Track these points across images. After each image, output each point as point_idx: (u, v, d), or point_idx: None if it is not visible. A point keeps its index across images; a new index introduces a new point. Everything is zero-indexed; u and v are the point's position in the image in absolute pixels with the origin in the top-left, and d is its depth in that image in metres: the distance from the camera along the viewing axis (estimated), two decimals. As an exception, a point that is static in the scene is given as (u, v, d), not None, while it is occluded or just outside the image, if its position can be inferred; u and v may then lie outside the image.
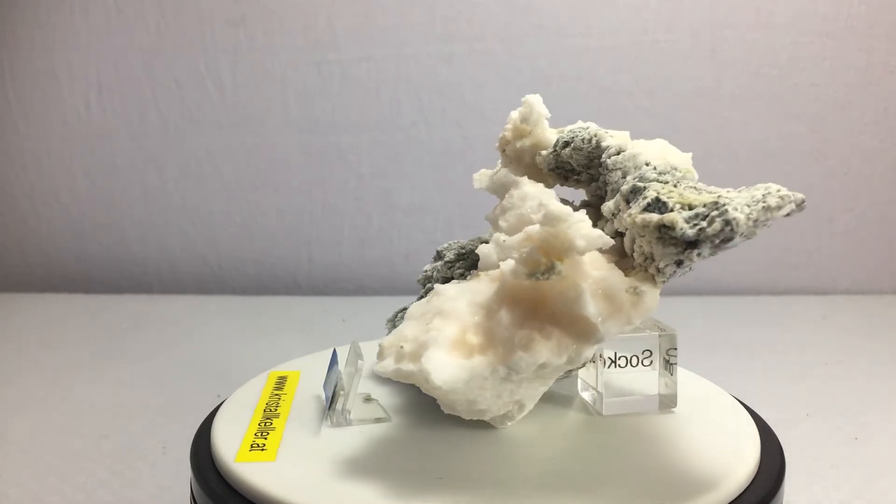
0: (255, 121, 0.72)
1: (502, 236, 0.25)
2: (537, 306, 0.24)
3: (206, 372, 0.50)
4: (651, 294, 0.24)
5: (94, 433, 0.41)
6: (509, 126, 0.31)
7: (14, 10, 0.71)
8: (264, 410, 0.30)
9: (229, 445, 0.27)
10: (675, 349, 0.29)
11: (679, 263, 0.23)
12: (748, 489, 0.24)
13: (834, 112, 0.68)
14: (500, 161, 0.33)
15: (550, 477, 0.25)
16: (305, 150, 0.72)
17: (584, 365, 0.29)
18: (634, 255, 0.25)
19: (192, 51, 0.71)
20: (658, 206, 0.23)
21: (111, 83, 0.72)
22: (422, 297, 0.30)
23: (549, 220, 0.23)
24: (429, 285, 0.32)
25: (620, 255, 0.26)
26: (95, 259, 0.76)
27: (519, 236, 0.24)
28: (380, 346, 0.25)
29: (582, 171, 0.30)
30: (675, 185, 0.24)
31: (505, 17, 0.68)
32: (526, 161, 0.31)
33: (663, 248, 0.23)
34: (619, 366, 0.29)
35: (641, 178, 0.25)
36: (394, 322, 0.34)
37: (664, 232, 0.23)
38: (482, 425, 0.28)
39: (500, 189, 0.31)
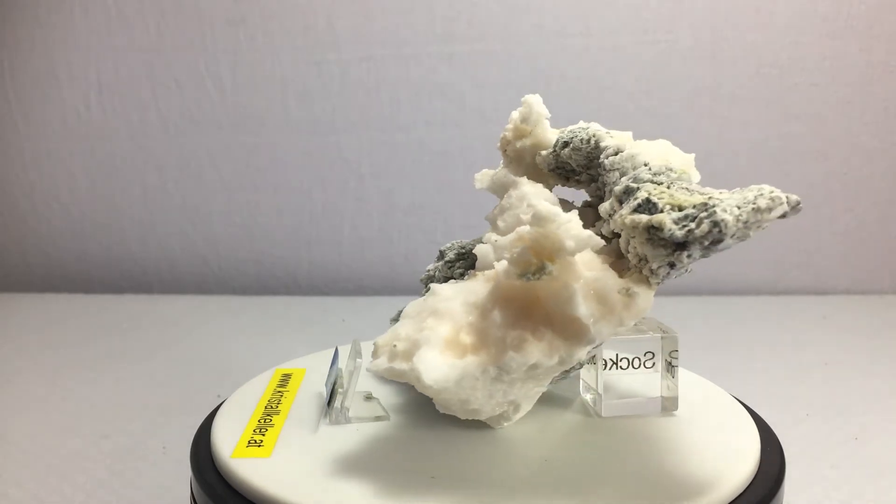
0: (255, 121, 0.72)
1: (494, 236, 0.25)
2: (530, 307, 0.24)
3: (206, 372, 0.50)
4: (644, 296, 0.24)
5: (94, 433, 0.41)
6: (510, 126, 0.31)
7: (14, 10, 0.71)
8: (266, 407, 0.31)
9: (228, 441, 0.27)
10: (677, 351, 0.29)
11: (672, 265, 0.23)
12: (748, 489, 0.24)
13: (834, 112, 0.68)
14: (502, 161, 0.33)
15: (544, 477, 0.25)
16: (305, 150, 0.72)
17: (580, 366, 0.29)
18: (629, 256, 0.25)
19: (192, 51, 0.71)
20: (648, 206, 0.23)
21: (111, 83, 0.72)
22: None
23: (537, 220, 0.23)
24: (430, 284, 0.32)
25: (617, 256, 0.26)
26: (95, 259, 0.76)
27: (511, 236, 0.24)
28: (374, 344, 0.26)
29: (582, 171, 0.30)
30: (668, 187, 0.24)
31: (505, 17, 0.68)
32: (527, 161, 0.31)
33: (653, 249, 0.23)
34: (621, 367, 0.29)
35: (636, 179, 0.25)
36: (397, 321, 0.34)
37: (653, 233, 0.23)
38: (480, 425, 0.28)
39: (501, 189, 0.31)
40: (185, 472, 0.29)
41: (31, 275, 0.77)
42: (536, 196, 0.26)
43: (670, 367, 0.29)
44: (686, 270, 0.24)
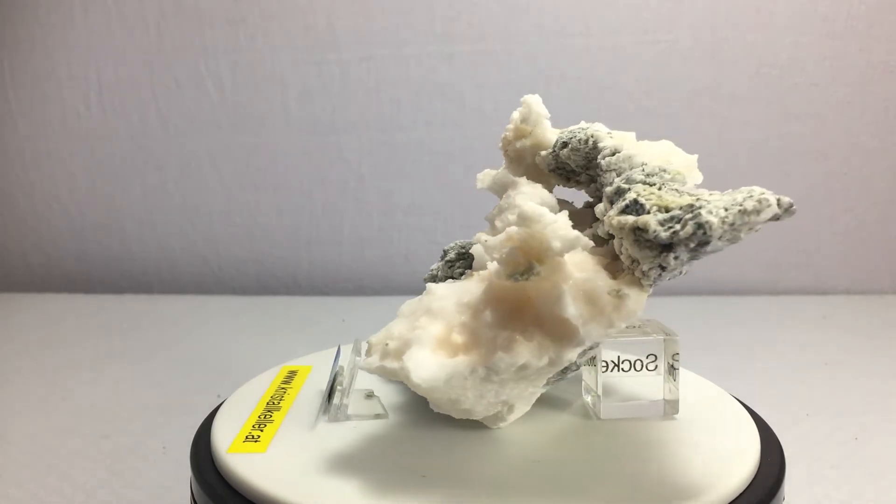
0: (255, 121, 0.72)
1: (484, 236, 0.25)
2: (521, 307, 0.24)
3: (206, 372, 0.50)
4: (635, 298, 0.23)
5: (94, 433, 0.41)
6: (510, 126, 0.31)
7: (14, 10, 0.71)
8: (267, 403, 0.31)
9: (227, 436, 0.28)
10: (678, 354, 0.29)
11: (663, 267, 0.23)
12: (748, 489, 0.24)
13: (834, 112, 0.68)
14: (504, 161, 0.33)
15: (535, 478, 0.25)
16: (305, 150, 0.72)
17: (577, 367, 0.29)
18: (622, 257, 0.25)
19: (192, 51, 0.71)
20: (636, 208, 0.23)
21: (111, 83, 0.72)
22: None
23: (523, 220, 0.23)
24: (426, 284, 0.32)
25: (613, 258, 0.26)
26: (95, 259, 0.76)
27: (501, 237, 0.24)
28: (368, 342, 0.26)
29: (581, 171, 0.29)
30: (659, 188, 0.24)
31: (505, 17, 0.68)
32: (527, 161, 0.31)
33: (640, 250, 0.23)
34: (623, 369, 0.29)
35: (628, 180, 0.25)
36: None
37: (639, 234, 0.23)
38: (477, 425, 0.28)
39: (501, 189, 0.31)
40: (185, 472, 0.29)
41: (31, 275, 0.77)
42: (524, 196, 0.26)
43: (672, 370, 0.29)
44: (680, 272, 0.24)
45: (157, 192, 0.74)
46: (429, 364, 0.23)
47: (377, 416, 0.29)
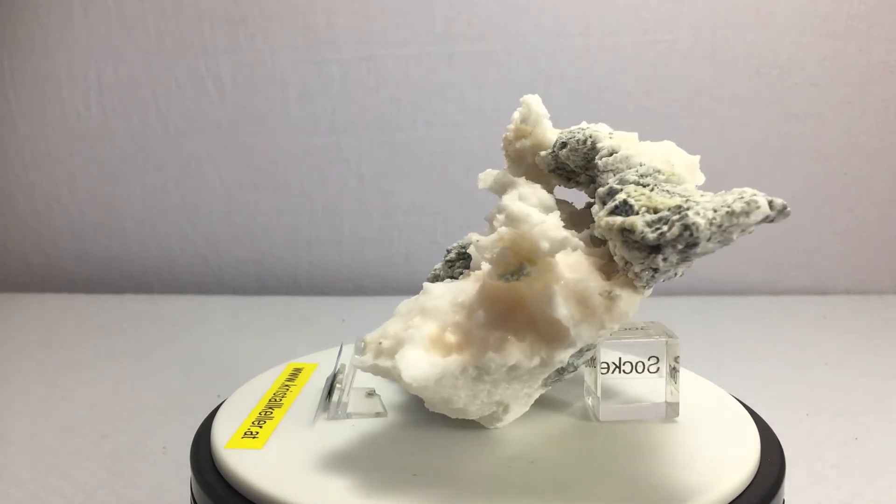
0: (255, 121, 0.72)
1: (476, 236, 0.25)
2: (514, 308, 0.24)
3: (206, 372, 0.50)
4: (627, 299, 0.23)
5: (94, 433, 0.41)
6: (511, 126, 0.31)
7: (14, 10, 0.71)
8: (269, 400, 0.31)
9: (226, 432, 0.28)
10: (678, 357, 0.29)
11: (655, 269, 0.23)
12: (748, 489, 0.24)
13: (834, 112, 0.68)
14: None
15: (527, 478, 0.24)
16: (305, 150, 0.72)
17: (574, 369, 0.28)
18: (615, 258, 0.24)
19: (192, 51, 0.71)
20: (625, 209, 0.23)
21: (111, 83, 0.72)
22: None
23: (510, 220, 0.23)
24: (424, 283, 0.32)
25: (609, 259, 0.26)
26: (95, 259, 0.76)
27: (493, 237, 0.24)
28: (363, 341, 0.26)
29: (581, 172, 0.29)
30: (651, 189, 0.24)
31: (505, 17, 0.68)
32: (528, 161, 0.31)
33: (628, 251, 0.23)
34: (624, 371, 0.28)
35: (621, 181, 0.25)
36: None
37: (626, 235, 0.23)
38: (475, 426, 0.28)
39: (501, 189, 0.31)
40: (185, 472, 0.29)
41: (31, 275, 0.77)
42: (512, 197, 0.26)
43: (674, 373, 0.28)
44: (675, 274, 0.24)
45: (157, 192, 0.74)
46: (420, 363, 0.24)
47: (377, 415, 0.29)
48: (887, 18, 0.66)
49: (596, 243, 0.27)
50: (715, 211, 0.21)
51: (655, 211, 0.22)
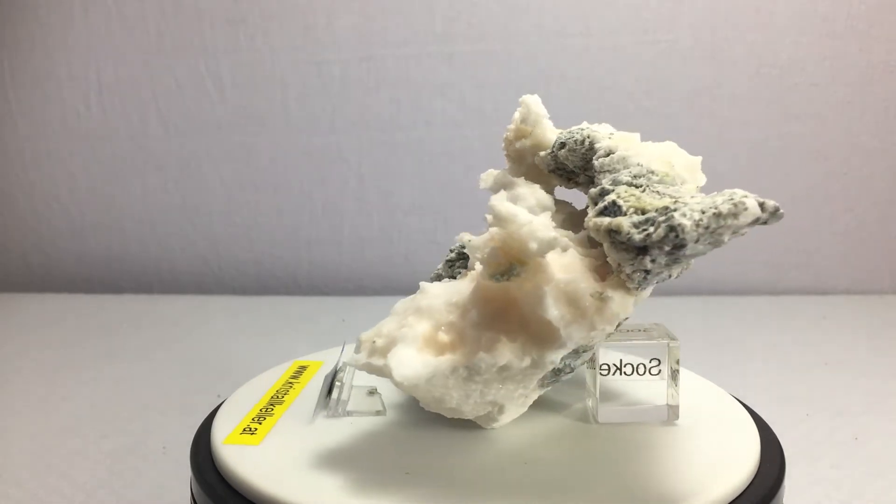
0: (255, 121, 0.72)
1: (468, 236, 0.25)
2: (507, 308, 0.24)
3: (206, 372, 0.50)
4: (619, 300, 0.23)
5: (94, 433, 0.41)
6: (511, 126, 0.31)
7: (14, 10, 0.71)
8: (272, 397, 0.31)
9: (226, 427, 0.28)
10: (678, 360, 0.29)
11: (647, 270, 0.22)
12: (748, 489, 0.24)
13: (834, 112, 0.68)
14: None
15: (521, 478, 0.24)
16: (305, 150, 0.72)
17: (571, 370, 0.28)
18: (609, 259, 0.24)
19: (192, 51, 0.71)
20: (614, 209, 0.23)
21: (111, 83, 0.72)
22: None
23: (498, 221, 0.23)
24: (420, 283, 0.32)
25: (606, 259, 0.26)
26: (95, 259, 0.76)
27: (484, 237, 0.24)
28: (359, 339, 0.26)
29: (580, 172, 0.29)
30: (642, 190, 0.24)
31: (505, 17, 0.68)
32: (528, 161, 0.31)
33: (616, 253, 0.23)
34: (625, 373, 0.28)
35: (614, 182, 0.25)
36: None
37: (613, 236, 0.22)
38: (473, 426, 0.28)
39: (501, 189, 0.31)
40: (185, 472, 0.29)
41: (31, 275, 0.77)
42: (500, 197, 0.26)
43: (675, 375, 0.28)
44: (669, 275, 0.24)
45: (157, 192, 0.74)
46: (411, 362, 0.24)
47: (377, 413, 0.29)
48: (887, 18, 0.66)
49: (593, 244, 0.27)
50: (703, 212, 0.21)
51: (643, 212, 0.22)
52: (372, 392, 0.31)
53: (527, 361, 0.24)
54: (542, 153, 0.30)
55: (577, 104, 0.69)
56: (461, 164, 0.71)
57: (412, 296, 0.27)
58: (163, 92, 0.72)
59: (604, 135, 0.28)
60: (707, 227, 0.21)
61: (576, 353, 0.26)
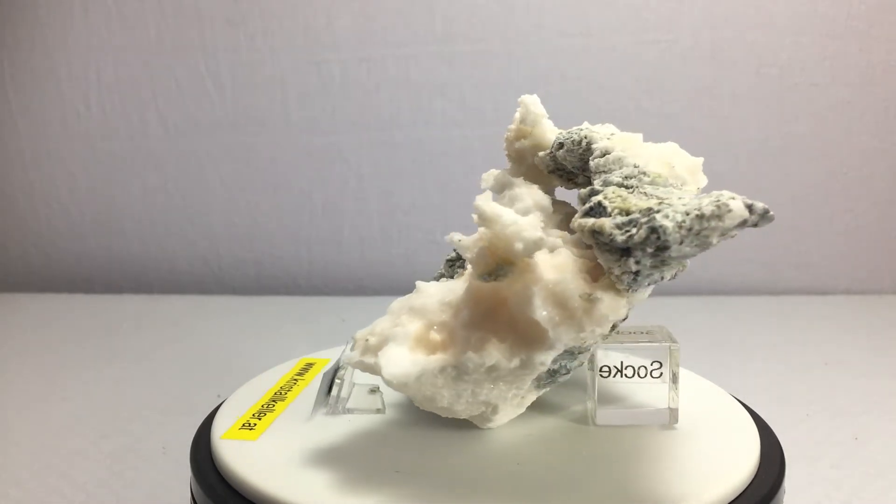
0: (255, 121, 0.72)
1: (458, 236, 0.25)
2: (498, 308, 0.24)
3: (206, 372, 0.50)
4: (608, 302, 0.23)
5: (94, 433, 0.41)
6: (512, 126, 0.31)
7: (14, 10, 0.71)
8: (275, 393, 0.31)
9: (227, 422, 0.28)
10: (678, 362, 0.29)
11: (636, 272, 0.22)
12: (748, 489, 0.24)
13: (834, 112, 0.68)
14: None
15: (511, 478, 0.24)
16: (305, 150, 0.72)
17: (567, 372, 0.27)
18: (600, 260, 0.24)
19: (192, 51, 0.71)
20: (599, 210, 0.23)
21: (111, 83, 0.72)
22: None
23: (483, 220, 0.23)
24: (416, 282, 0.32)
25: None
26: (95, 259, 0.76)
27: (473, 237, 0.24)
28: (353, 337, 0.26)
29: (579, 173, 0.29)
30: (631, 191, 0.23)
31: (505, 17, 0.68)
32: (528, 162, 0.31)
33: (601, 254, 0.23)
34: (626, 376, 0.28)
35: (605, 183, 0.25)
36: None
37: (597, 237, 0.22)
38: (470, 426, 0.28)
39: (501, 189, 0.31)
40: (185, 472, 0.29)
41: (31, 275, 0.77)
42: (485, 197, 0.26)
43: (675, 379, 0.28)
44: (662, 278, 0.23)
45: (157, 192, 0.74)
46: (401, 361, 0.24)
47: (376, 412, 0.29)
48: (887, 18, 0.66)
49: (588, 245, 0.26)
50: (686, 214, 0.20)
51: (627, 213, 0.22)
52: (373, 390, 0.31)
53: (515, 362, 0.24)
54: (542, 153, 0.30)
55: (577, 104, 0.69)
56: (461, 164, 0.71)
57: (408, 295, 0.27)
58: (163, 92, 0.72)
59: (602, 135, 0.28)
60: (690, 229, 0.20)
61: (571, 354, 0.26)
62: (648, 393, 0.28)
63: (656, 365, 0.28)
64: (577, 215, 0.24)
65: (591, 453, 0.26)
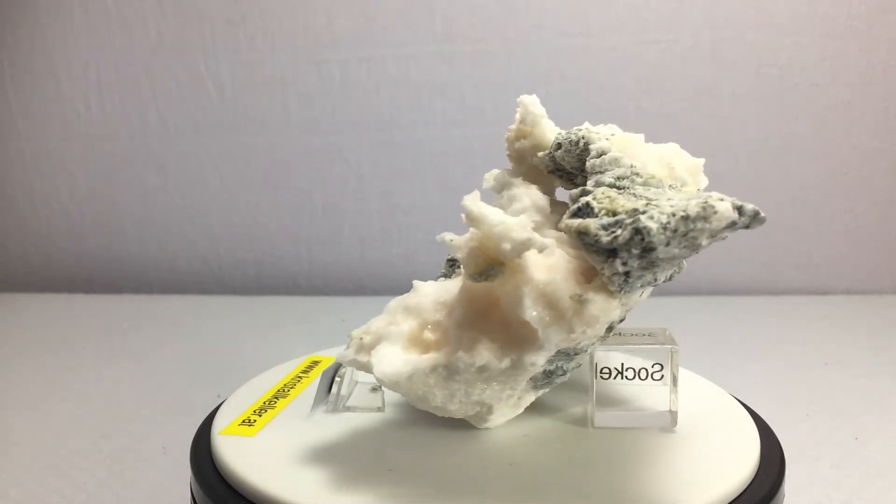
0: (255, 121, 0.72)
1: (450, 235, 0.25)
2: (490, 308, 0.24)
3: (206, 372, 0.50)
4: (599, 303, 0.23)
5: (94, 433, 0.41)
6: (513, 126, 0.31)
7: (14, 10, 0.71)
8: (278, 390, 0.32)
9: (228, 418, 0.29)
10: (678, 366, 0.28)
11: (627, 274, 0.22)
12: (748, 489, 0.24)
13: (834, 112, 0.68)
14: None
15: (502, 478, 0.24)
16: (305, 150, 0.72)
17: (564, 373, 0.28)
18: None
19: (192, 51, 0.71)
20: (587, 211, 0.23)
21: (111, 83, 0.72)
22: None
23: (470, 220, 0.23)
24: (413, 281, 0.32)
25: None
26: (95, 259, 0.76)
27: (465, 236, 0.24)
28: (349, 336, 0.26)
29: (578, 173, 0.29)
30: (621, 192, 0.23)
31: (505, 17, 0.68)
32: (528, 162, 0.31)
33: (589, 255, 0.23)
34: (627, 377, 0.28)
35: (597, 183, 0.24)
36: None
37: (583, 238, 0.22)
38: (468, 425, 0.28)
39: (502, 189, 0.31)
40: (185, 472, 0.29)
41: (31, 275, 0.77)
42: (473, 197, 0.26)
43: (675, 381, 0.28)
44: (655, 279, 0.23)
45: (157, 192, 0.74)
46: (393, 360, 0.24)
47: (376, 410, 0.29)
48: (887, 18, 0.66)
49: None
50: (672, 215, 0.20)
51: (614, 214, 0.22)
52: (375, 389, 0.31)
53: (506, 363, 0.24)
54: (541, 154, 0.30)
55: (577, 104, 0.69)
56: (461, 164, 0.71)
57: (406, 294, 0.27)
58: (163, 92, 0.72)
59: (600, 136, 0.28)
60: (676, 231, 0.20)
61: (567, 355, 0.26)
62: (649, 395, 0.28)
63: (657, 367, 0.28)
64: (565, 215, 0.24)
65: (587, 454, 0.26)
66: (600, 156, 0.26)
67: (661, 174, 0.25)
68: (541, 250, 0.23)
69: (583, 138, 0.28)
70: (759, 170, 0.69)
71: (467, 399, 0.25)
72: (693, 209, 0.20)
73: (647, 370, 0.28)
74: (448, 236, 0.25)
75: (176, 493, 0.35)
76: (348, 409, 0.29)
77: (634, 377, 0.28)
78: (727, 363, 0.51)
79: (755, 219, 0.20)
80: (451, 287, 0.26)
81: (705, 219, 0.20)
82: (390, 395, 0.30)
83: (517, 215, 0.25)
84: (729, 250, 0.70)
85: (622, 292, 0.23)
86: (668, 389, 0.28)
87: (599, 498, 0.23)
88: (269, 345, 0.57)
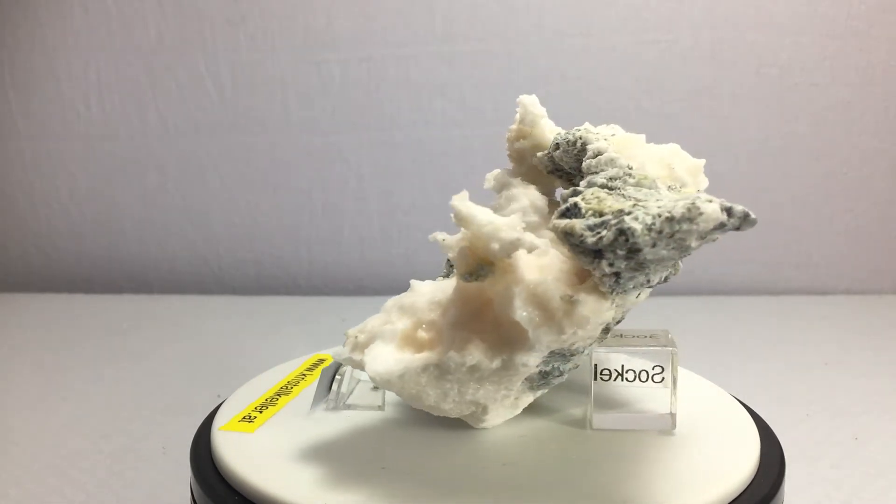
0: (255, 121, 0.72)
1: (441, 235, 0.25)
2: (483, 308, 0.24)
3: (206, 372, 0.50)
4: (589, 304, 0.22)
5: (94, 433, 0.41)
6: (513, 126, 0.31)
7: (14, 10, 0.71)
8: (281, 388, 0.32)
9: (229, 414, 0.29)
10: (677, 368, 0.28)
11: (617, 275, 0.22)
12: (748, 489, 0.24)
13: (834, 112, 0.68)
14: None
15: (496, 478, 0.24)
16: (305, 150, 0.72)
17: (560, 374, 0.27)
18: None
19: (192, 51, 0.71)
20: (575, 211, 0.23)
21: (111, 83, 0.72)
22: None
23: (459, 220, 0.23)
24: (411, 281, 0.32)
25: None
26: (95, 259, 0.76)
27: (457, 236, 0.24)
28: (346, 334, 0.27)
29: (576, 174, 0.29)
30: (611, 192, 0.23)
31: (505, 17, 0.68)
32: (528, 162, 0.31)
33: (576, 255, 0.23)
34: (627, 379, 0.28)
35: (589, 184, 0.24)
36: None
37: (568, 238, 0.22)
38: (466, 425, 0.28)
39: (502, 189, 0.31)
40: (185, 472, 0.29)
41: (31, 275, 0.77)
42: (461, 197, 0.26)
43: (675, 384, 0.28)
44: (649, 280, 0.23)
45: (157, 192, 0.74)
46: (385, 358, 0.24)
47: (377, 408, 0.29)
48: (887, 18, 0.66)
49: None
50: (658, 216, 0.20)
51: (601, 214, 0.22)
52: (376, 387, 0.31)
53: (497, 363, 0.24)
54: (540, 154, 0.30)
55: (577, 104, 0.69)
56: (461, 164, 0.71)
57: (403, 293, 0.27)
58: (163, 92, 0.72)
59: (598, 136, 0.27)
60: (661, 232, 0.20)
61: (563, 356, 0.26)
62: (649, 397, 0.28)
63: (658, 369, 0.28)
64: (553, 216, 0.23)
65: (585, 455, 0.26)
66: (596, 156, 0.26)
67: (660, 175, 0.25)
68: (531, 250, 0.23)
69: (580, 139, 0.27)
70: (759, 170, 0.69)
71: (461, 399, 0.25)
72: (678, 210, 0.20)
73: (647, 372, 0.28)
74: (440, 236, 0.25)
75: (176, 492, 0.35)
76: (349, 407, 0.29)
77: (635, 379, 0.28)
78: (727, 363, 0.51)
79: (745, 220, 0.20)
80: (446, 287, 0.26)
81: (691, 220, 0.20)
82: (391, 394, 0.30)
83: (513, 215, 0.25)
84: (729, 250, 0.70)
85: (614, 293, 0.23)
86: (668, 392, 0.28)
87: (597, 498, 0.23)
88: (269, 345, 0.57)
